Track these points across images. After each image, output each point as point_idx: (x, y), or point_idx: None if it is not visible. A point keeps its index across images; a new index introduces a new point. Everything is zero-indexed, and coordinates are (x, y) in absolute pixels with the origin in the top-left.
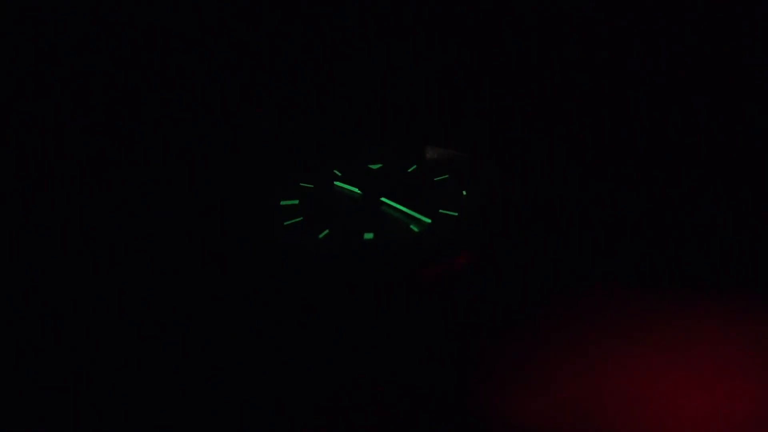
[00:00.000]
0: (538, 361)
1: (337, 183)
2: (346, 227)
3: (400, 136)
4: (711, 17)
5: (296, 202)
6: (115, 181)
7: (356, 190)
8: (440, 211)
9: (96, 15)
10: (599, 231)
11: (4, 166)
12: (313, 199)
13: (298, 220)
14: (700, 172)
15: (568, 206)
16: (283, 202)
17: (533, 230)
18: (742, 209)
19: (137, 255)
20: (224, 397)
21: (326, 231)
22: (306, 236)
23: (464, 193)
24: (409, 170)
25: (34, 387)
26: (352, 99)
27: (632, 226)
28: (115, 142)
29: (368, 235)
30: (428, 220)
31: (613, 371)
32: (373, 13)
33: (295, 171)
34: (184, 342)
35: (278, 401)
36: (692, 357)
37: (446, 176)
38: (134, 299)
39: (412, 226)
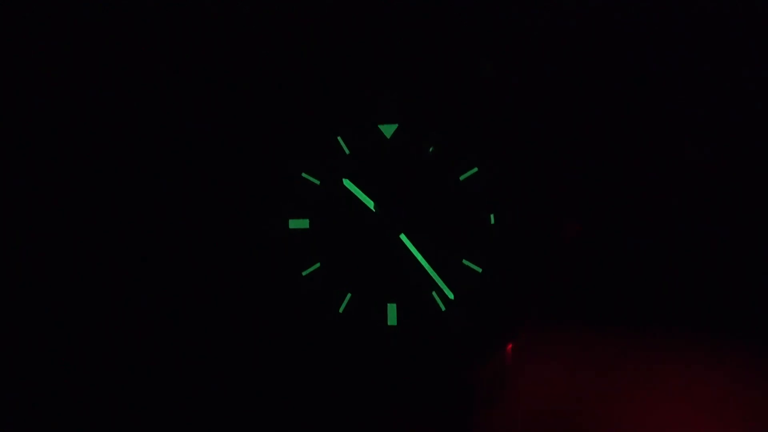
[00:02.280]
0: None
1: (346, 181)
2: (368, 293)
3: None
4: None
5: (306, 225)
6: (117, 184)
7: (369, 202)
8: (464, 262)
9: (96, 15)
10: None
11: (7, 167)
12: (324, 221)
13: (315, 267)
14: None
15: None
16: (292, 224)
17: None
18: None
19: (136, 261)
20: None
21: (349, 296)
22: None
23: (492, 220)
24: (430, 148)
25: (35, 387)
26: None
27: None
28: (116, 143)
29: (392, 313)
30: (451, 295)
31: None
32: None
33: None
34: (183, 346)
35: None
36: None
37: (475, 170)
38: (133, 301)
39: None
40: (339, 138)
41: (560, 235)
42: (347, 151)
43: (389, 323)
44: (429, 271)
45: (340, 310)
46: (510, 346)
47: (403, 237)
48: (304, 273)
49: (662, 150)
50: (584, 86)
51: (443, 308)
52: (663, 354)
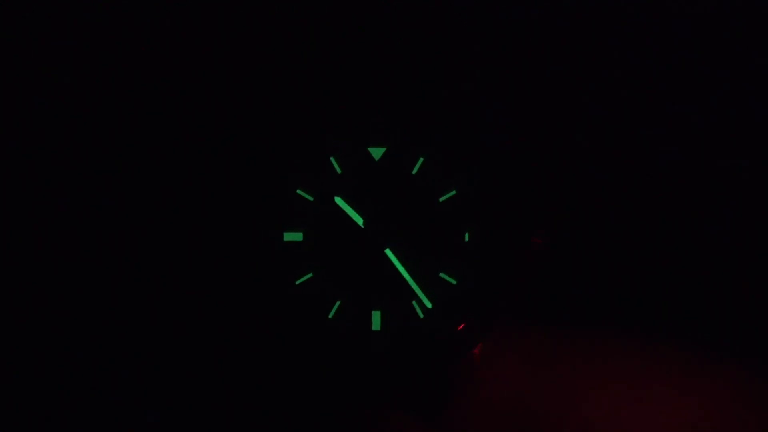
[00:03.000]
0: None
1: (337, 199)
2: (355, 301)
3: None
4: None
5: (300, 237)
6: (119, 195)
7: (358, 219)
8: (441, 275)
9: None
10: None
11: (8, 168)
12: (316, 234)
13: (308, 277)
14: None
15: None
16: (286, 237)
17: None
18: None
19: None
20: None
21: (338, 303)
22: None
23: (466, 237)
24: (414, 171)
25: (34, 387)
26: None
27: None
28: (116, 155)
29: (376, 320)
30: (429, 304)
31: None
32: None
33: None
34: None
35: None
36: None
37: (453, 192)
38: (131, 307)
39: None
40: (332, 158)
41: (526, 250)
42: (339, 171)
43: (374, 328)
44: (410, 283)
45: (330, 316)
46: (479, 347)
47: (388, 251)
48: (297, 282)
49: (623, 161)
50: (553, 121)
51: (422, 316)
52: (621, 354)
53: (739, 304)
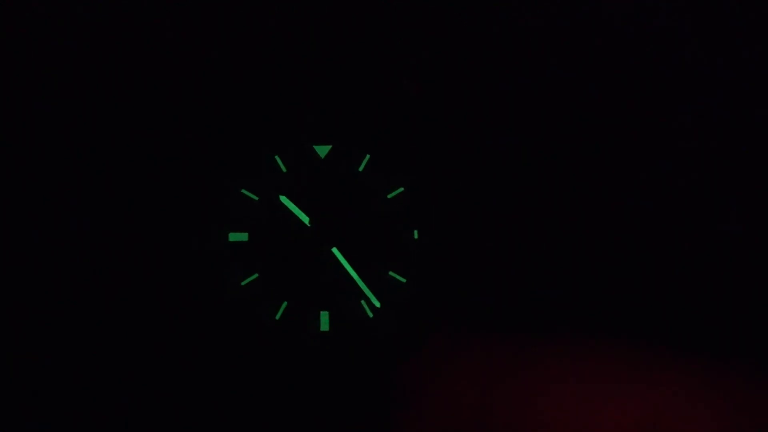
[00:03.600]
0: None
1: (282, 198)
2: (303, 302)
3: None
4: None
5: (246, 237)
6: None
7: (304, 217)
8: (390, 273)
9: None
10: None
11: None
12: (262, 234)
13: (254, 278)
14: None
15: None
16: (231, 237)
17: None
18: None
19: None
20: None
21: (285, 304)
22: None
23: (416, 235)
24: (360, 168)
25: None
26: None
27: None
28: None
29: (324, 320)
30: (377, 303)
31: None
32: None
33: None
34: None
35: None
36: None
37: (401, 189)
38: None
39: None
40: (276, 157)
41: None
42: (284, 170)
43: (322, 329)
44: (358, 282)
45: (277, 317)
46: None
47: (335, 250)
48: (243, 283)
49: (574, 156)
50: (503, 112)
51: (371, 315)
52: (569, 355)
53: (701, 301)
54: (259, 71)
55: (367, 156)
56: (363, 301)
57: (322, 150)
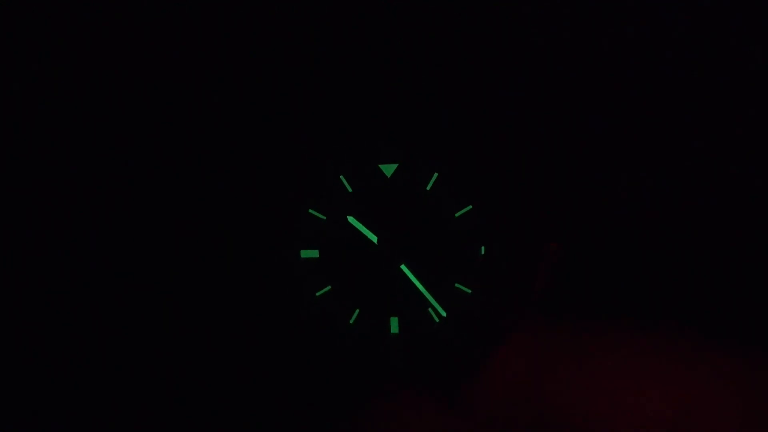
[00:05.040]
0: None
1: (350, 218)
2: (374, 309)
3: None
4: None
5: (316, 254)
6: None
7: (372, 237)
8: (456, 285)
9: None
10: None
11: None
12: (331, 251)
13: (327, 289)
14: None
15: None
16: (303, 254)
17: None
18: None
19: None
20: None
21: (357, 311)
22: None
23: (482, 251)
24: (428, 187)
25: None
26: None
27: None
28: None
29: (394, 323)
30: (443, 313)
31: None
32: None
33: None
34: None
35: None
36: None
37: (469, 207)
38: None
39: (430, 312)
40: (342, 177)
41: (544, 258)
42: (350, 190)
43: (392, 332)
44: (425, 295)
45: (351, 322)
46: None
47: (403, 267)
48: (317, 293)
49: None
50: (563, 133)
51: (437, 320)
52: (624, 346)
53: (739, 298)
54: (324, 92)
55: (435, 174)
56: (430, 309)
57: (389, 169)
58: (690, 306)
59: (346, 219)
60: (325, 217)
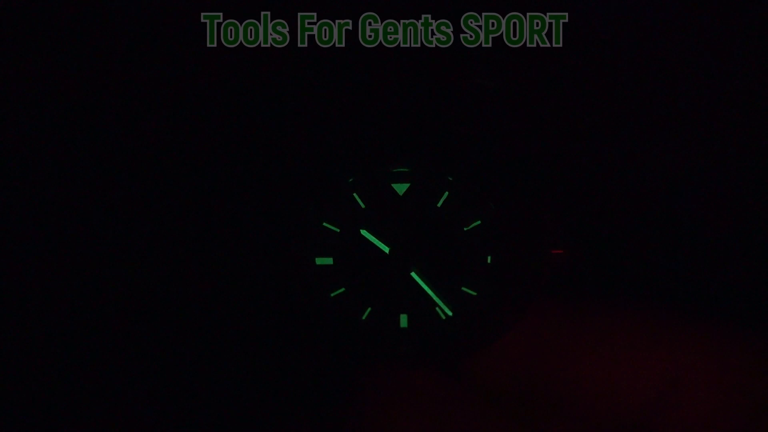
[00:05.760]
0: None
1: (363, 231)
2: (385, 307)
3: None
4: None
5: (331, 261)
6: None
7: (384, 248)
8: (462, 288)
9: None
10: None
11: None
12: (345, 259)
13: (341, 291)
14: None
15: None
16: (318, 261)
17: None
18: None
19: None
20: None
21: (369, 309)
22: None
23: (489, 260)
24: (439, 204)
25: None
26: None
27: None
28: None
29: (403, 318)
30: (450, 313)
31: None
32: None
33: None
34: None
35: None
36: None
37: (478, 222)
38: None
39: (438, 311)
40: (355, 194)
41: (549, 265)
42: (363, 206)
43: (401, 326)
44: (434, 297)
45: (363, 318)
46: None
47: (413, 274)
48: (332, 294)
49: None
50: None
51: (444, 317)
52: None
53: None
54: (339, 117)
55: (446, 193)
56: (438, 308)
57: (401, 188)
58: (683, 290)
59: (359, 232)
60: (338, 230)
